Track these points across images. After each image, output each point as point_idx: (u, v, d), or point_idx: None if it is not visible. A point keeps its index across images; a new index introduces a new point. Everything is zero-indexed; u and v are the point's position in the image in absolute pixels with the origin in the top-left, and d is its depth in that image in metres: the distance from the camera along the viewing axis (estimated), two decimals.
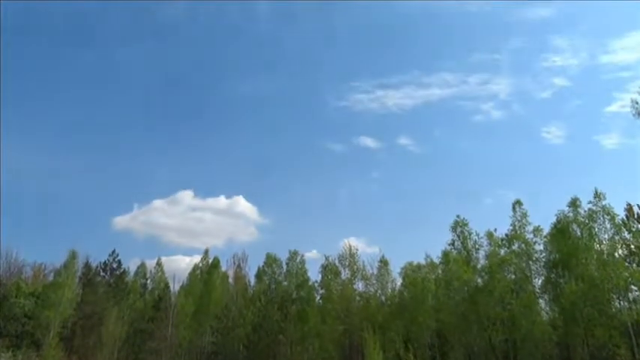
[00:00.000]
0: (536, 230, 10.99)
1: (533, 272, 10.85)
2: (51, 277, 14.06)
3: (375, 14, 33.07)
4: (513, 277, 10.73)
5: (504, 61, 31.01)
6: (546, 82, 30.43)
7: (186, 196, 26.09)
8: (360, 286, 12.94)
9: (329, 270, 12.95)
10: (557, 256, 10.42)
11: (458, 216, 12.25)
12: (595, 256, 9.82)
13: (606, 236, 9.94)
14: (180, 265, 23.65)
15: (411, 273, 12.20)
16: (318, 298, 12.88)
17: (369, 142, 29.27)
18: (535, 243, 10.89)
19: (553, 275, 10.54)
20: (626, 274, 8.97)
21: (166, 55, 32.85)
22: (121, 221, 23.97)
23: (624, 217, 8.53)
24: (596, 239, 10.02)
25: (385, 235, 24.79)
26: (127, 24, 31.95)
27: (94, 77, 30.57)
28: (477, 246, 11.85)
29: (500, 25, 33.84)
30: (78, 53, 30.57)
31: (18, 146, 22.73)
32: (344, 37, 33.37)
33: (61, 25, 30.58)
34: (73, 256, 12.28)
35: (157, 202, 25.34)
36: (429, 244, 27.96)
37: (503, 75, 31.17)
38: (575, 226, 10.31)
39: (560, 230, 10.40)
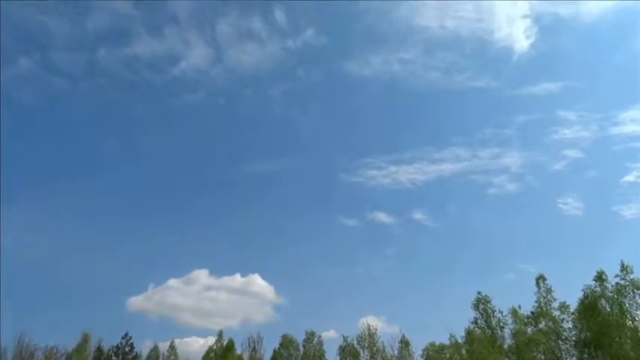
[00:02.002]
0: (563, 307, 10.60)
1: (563, 352, 10.30)
2: None
3: (384, 92, 34.57)
4: (543, 357, 10.20)
5: (514, 135, 31.64)
6: (558, 155, 30.75)
7: (202, 274, 25.87)
8: None
9: (348, 352, 12.44)
10: (587, 334, 9.93)
11: (479, 293, 11.93)
12: (629, 334, 9.35)
13: (639, 312, 9.57)
14: (195, 347, 22.76)
15: (434, 354, 11.63)
16: None
17: (383, 217, 29.28)
18: (563, 320, 10.44)
19: (585, 356, 9.99)
20: None
21: (184, 138, 34.33)
22: (135, 302, 23.64)
23: None
24: (628, 315, 9.61)
25: (405, 313, 24.01)
26: (150, 110, 33.74)
27: (114, 160, 31.74)
28: (501, 324, 11.39)
29: (507, 100, 34.94)
30: (101, 138, 32.04)
31: (32, 227, 23.16)
32: (355, 115, 34.65)
33: (83, 110, 32.30)
34: (86, 339, 12.05)
35: (173, 282, 25.09)
36: (451, 322, 26.82)
37: (514, 148, 31.65)
38: (603, 302, 9.92)
39: (589, 306, 10.00)
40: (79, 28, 22.97)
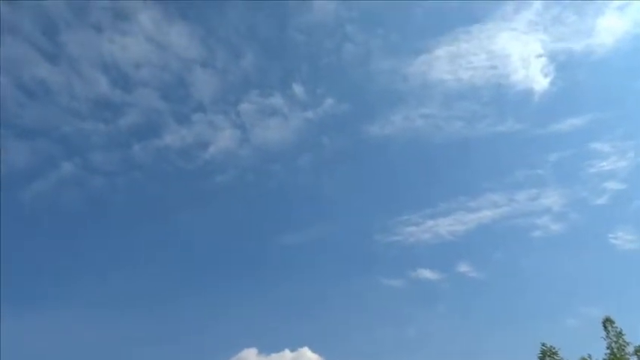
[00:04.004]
0: (639, 350, 9.82)
1: None
2: None
3: (409, 148, 34.80)
4: None
5: (549, 174, 31.06)
6: (599, 188, 29.96)
7: (251, 354, 25.35)
8: None
9: None
10: None
11: (544, 344, 11.04)
12: None
13: None
14: None
15: None
16: None
17: (427, 274, 28.57)
18: None
19: None
20: None
21: (218, 218, 34.85)
22: None
23: None
24: None
25: None
26: (184, 196, 34.59)
27: (153, 248, 32.23)
28: None
29: (535, 140, 34.62)
30: (139, 228, 32.75)
31: (70, 315, 23.34)
32: (384, 175, 34.79)
33: (121, 204, 33.25)
34: None
35: None
36: None
37: (552, 187, 30.99)
38: None
39: None
40: (112, 127, 24.18)
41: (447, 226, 31.90)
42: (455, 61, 28.38)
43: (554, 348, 11.44)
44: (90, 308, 25.27)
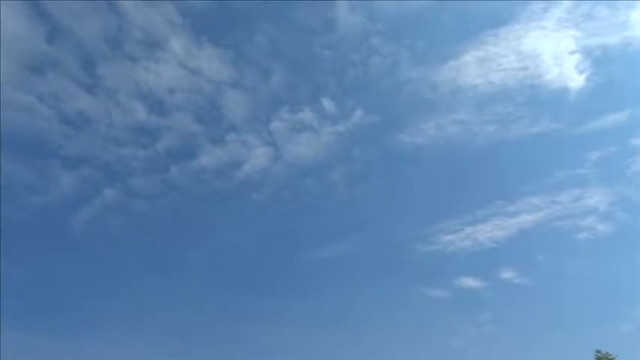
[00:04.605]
0: None
1: None
2: None
3: (443, 155, 34.34)
4: None
5: (591, 173, 29.97)
6: None
7: None
8: None
9: None
10: None
11: (598, 351, 10.72)
12: None
13: None
14: None
15: None
16: None
17: (470, 282, 27.90)
18: None
19: None
20: None
21: (254, 236, 35.24)
22: None
23: None
24: None
25: None
26: (220, 215, 35.26)
27: (193, 269, 32.88)
28: None
29: (573, 139, 33.58)
30: (179, 249, 33.52)
31: (116, 336, 23.92)
32: (418, 184, 34.35)
33: (161, 226, 34.12)
34: None
35: None
36: None
37: (595, 186, 29.86)
38: None
39: None
40: (150, 152, 25.01)
41: (487, 232, 31.18)
42: (484, 64, 28.06)
43: (610, 355, 10.94)
44: (136, 329, 25.94)
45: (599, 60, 30.61)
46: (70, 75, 20.28)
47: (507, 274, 30.35)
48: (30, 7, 18.63)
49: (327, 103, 26.80)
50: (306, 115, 26.67)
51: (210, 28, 24.23)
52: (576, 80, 30.41)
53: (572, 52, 28.24)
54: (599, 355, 10.40)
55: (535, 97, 30.64)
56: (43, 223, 21.61)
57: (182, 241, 33.08)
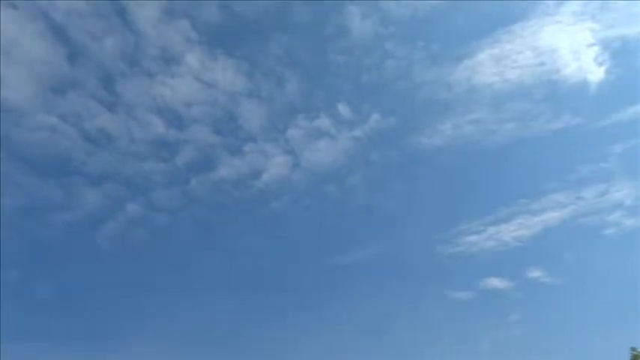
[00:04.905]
0: None
1: None
2: None
3: (461, 156, 34.02)
4: None
5: (616, 167, 29.25)
6: None
7: None
8: None
9: None
10: None
11: (634, 349, 10.25)
12: None
13: None
14: None
15: None
16: None
17: (496, 283, 27.44)
18: None
19: None
20: None
21: (275, 243, 35.31)
22: None
23: None
24: None
25: None
26: (241, 225, 35.46)
27: (214, 279, 33.07)
28: None
29: (595, 133, 32.90)
30: (200, 259, 33.79)
31: (143, 349, 24.14)
32: (438, 186, 34.07)
33: (182, 238, 34.50)
34: None
35: None
36: None
37: (620, 180, 29.14)
38: None
39: None
40: (170, 165, 25.37)
41: (511, 231, 30.67)
42: (500, 62, 27.78)
43: None
44: (163, 340, 26.20)
45: (618, 52, 30.02)
46: (91, 94, 20.73)
47: (534, 274, 29.78)
48: (51, 31, 19.12)
49: (343, 109, 26.83)
50: (323, 121, 26.74)
51: (224, 41, 24.55)
52: (596, 73, 29.85)
53: (590, 45, 27.75)
54: (635, 352, 10.08)
55: (554, 92, 30.18)
56: (70, 239, 22.02)
57: (204, 251, 33.35)
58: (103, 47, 20.24)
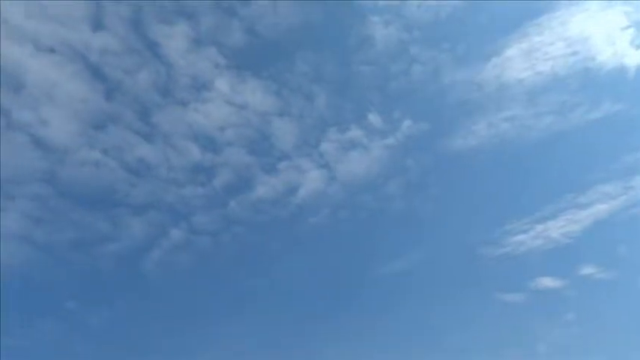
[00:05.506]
0: None
1: None
2: None
3: (498, 154, 33.05)
4: None
5: None
6: None
7: None
8: None
9: None
10: None
11: None
12: None
13: None
14: None
15: None
16: None
17: (548, 282, 26.42)
18: None
19: None
20: None
21: (315, 258, 35.15)
22: None
23: None
24: None
25: None
26: (280, 242, 35.58)
27: (258, 298, 33.23)
28: None
29: (637, 119, 31.64)
30: (243, 280, 34.05)
31: None
32: (477, 187, 33.25)
33: (224, 260, 34.88)
34: None
35: None
36: None
37: None
38: None
39: None
40: (209, 189, 25.85)
41: (559, 228, 29.57)
42: (530, 56, 27.23)
43: None
44: None
45: None
46: (129, 126, 21.45)
47: (588, 270, 28.53)
48: (87, 70, 19.97)
49: (374, 118, 26.80)
50: (355, 132, 26.74)
51: (251, 63, 25.02)
52: (633, 56, 28.66)
53: (625, 28, 26.76)
54: None
55: (590, 81, 29.21)
56: (119, 268, 22.65)
57: (247, 271, 33.63)
58: (137, 81, 20.96)
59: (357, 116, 28.93)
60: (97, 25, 20.21)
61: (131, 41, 21.67)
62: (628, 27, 26.51)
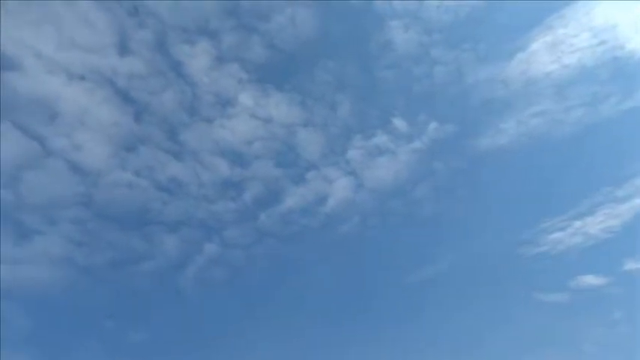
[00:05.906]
0: None
1: None
2: None
3: (529, 151, 32.39)
4: None
5: None
6: None
7: None
8: None
9: None
10: None
11: None
12: None
13: None
14: None
15: None
16: None
17: (590, 280, 25.53)
18: None
19: None
20: None
21: (346, 265, 35.06)
22: None
23: None
24: None
25: None
26: (310, 253, 35.59)
27: (285, 311, 33.19)
28: None
29: None
30: (273, 290, 34.09)
31: None
32: (508, 186, 32.51)
33: (257, 272, 35.03)
34: None
35: None
36: None
37: None
38: None
39: None
40: (239, 203, 26.14)
41: (598, 223, 28.62)
42: (555, 49, 26.72)
43: None
44: None
45: None
46: (158, 146, 21.92)
47: (631, 265, 27.44)
48: (116, 95, 20.55)
49: (399, 123, 26.67)
50: (381, 138, 26.65)
51: (273, 76, 25.30)
52: None
53: None
54: None
55: (620, 70, 28.38)
56: (155, 285, 23.01)
57: (279, 282, 33.74)
58: (164, 102, 21.45)
59: (382, 122, 28.82)
60: (123, 50, 20.90)
61: (156, 63, 22.27)
62: None
